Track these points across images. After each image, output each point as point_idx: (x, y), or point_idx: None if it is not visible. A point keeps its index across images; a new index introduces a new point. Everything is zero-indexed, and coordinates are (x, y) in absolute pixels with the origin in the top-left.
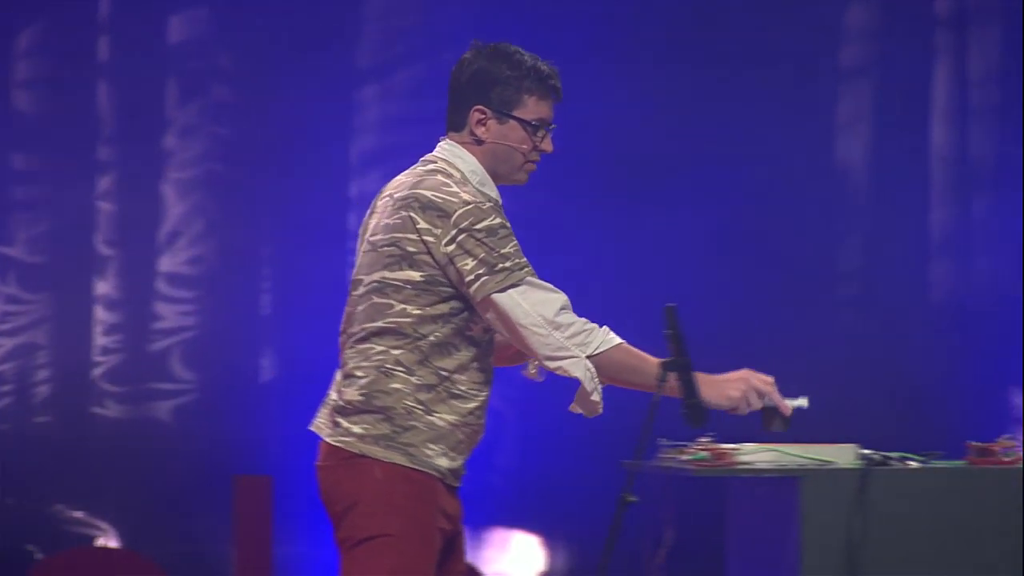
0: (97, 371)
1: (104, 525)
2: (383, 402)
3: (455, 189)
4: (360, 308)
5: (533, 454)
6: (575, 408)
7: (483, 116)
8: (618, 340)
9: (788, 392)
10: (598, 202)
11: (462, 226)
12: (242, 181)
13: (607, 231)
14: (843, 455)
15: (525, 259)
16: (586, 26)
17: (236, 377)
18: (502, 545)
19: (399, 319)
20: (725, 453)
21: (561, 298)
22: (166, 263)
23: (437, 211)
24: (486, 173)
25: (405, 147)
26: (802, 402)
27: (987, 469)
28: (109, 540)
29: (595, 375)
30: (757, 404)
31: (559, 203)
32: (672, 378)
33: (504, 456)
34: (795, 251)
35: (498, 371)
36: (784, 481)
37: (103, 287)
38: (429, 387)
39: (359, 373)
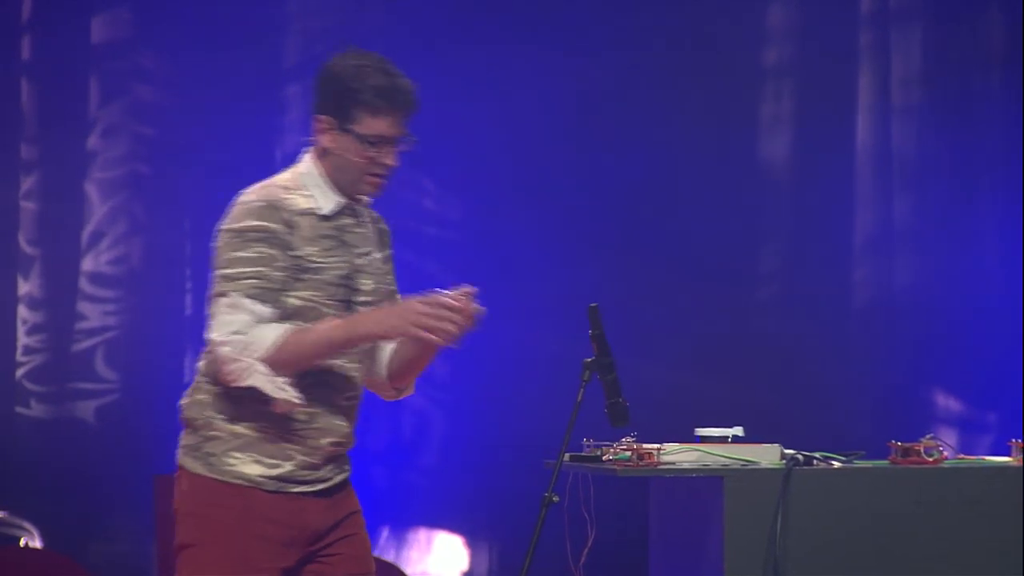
0: (20, 371)
1: (27, 525)
2: (189, 413)
3: (248, 190)
4: None
5: (456, 454)
6: (279, 408)
7: (325, 126)
8: (284, 329)
9: (721, 423)
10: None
11: (223, 226)
12: (166, 181)
13: (527, 230)
14: (766, 455)
15: (252, 270)
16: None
17: (159, 377)
18: (425, 545)
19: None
20: (649, 453)
21: (245, 319)
22: (90, 263)
23: (225, 214)
24: (323, 179)
25: None
26: (737, 431)
27: (910, 469)
28: (32, 540)
29: (272, 375)
30: (429, 323)
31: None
32: None
33: (427, 456)
34: (718, 250)
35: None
36: (708, 481)
37: (26, 287)
38: (230, 396)
39: (191, 387)
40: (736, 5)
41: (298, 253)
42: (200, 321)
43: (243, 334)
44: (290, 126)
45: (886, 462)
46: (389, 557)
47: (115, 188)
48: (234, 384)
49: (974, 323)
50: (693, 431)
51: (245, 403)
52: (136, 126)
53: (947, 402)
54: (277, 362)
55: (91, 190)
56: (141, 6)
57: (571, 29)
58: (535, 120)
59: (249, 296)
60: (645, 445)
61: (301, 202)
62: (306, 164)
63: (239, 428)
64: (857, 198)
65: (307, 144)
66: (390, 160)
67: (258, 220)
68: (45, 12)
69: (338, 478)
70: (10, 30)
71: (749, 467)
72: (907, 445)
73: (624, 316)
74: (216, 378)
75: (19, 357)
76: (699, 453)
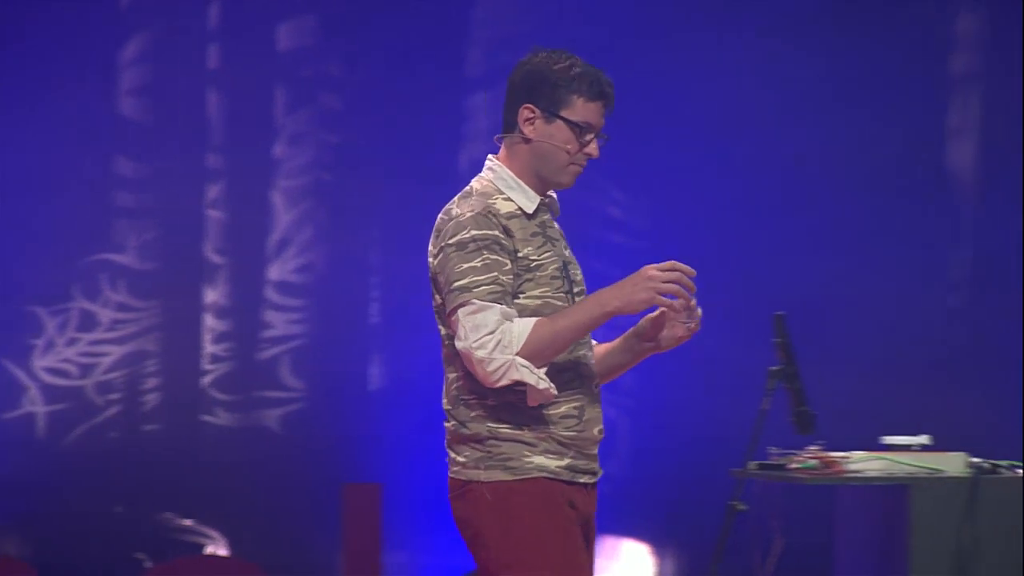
0: (206, 379)
1: (213, 533)
2: (473, 429)
3: (453, 204)
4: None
5: (643, 462)
6: (532, 401)
7: (531, 115)
8: (533, 321)
9: (908, 431)
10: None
11: (442, 243)
12: (351, 189)
13: (711, 234)
14: (953, 463)
15: (485, 277)
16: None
17: (345, 385)
18: (612, 553)
19: (448, 345)
20: (834, 461)
21: (493, 319)
22: (275, 271)
23: (436, 232)
24: (523, 179)
25: None
26: (924, 439)
27: None
28: (218, 548)
29: (532, 367)
30: (667, 287)
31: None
32: None
33: (613, 463)
34: (906, 257)
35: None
36: (893, 489)
37: (212, 295)
38: (507, 404)
39: (448, 406)
40: (926, 12)
41: (520, 255)
42: (387, 328)
43: (494, 334)
44: (472, 135)
45: None
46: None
47: (300, 196)
48: (496, 384)
49: None
50: (879, 439)
51: (521, 408)
52: (322, 134)
53: None
54: (533, 353)
55: (276, 198)
56: (328, 14)
57: (765, 19)
58: (705, 119)
59: (489, 301)
60: (831, 453)
61: (506, 206)
62: (495, 169)
63: (525, 432)
64: None
65: (495, 147)
66: (594, 150)
67: (478, 229)
68: (232, 20)
69: (599, 472)
70: (198, 38)
71: (935, 475)
72: None
73: (810, 324)
74: (478, 387)
75: (205, 366)
76: (885, 461)
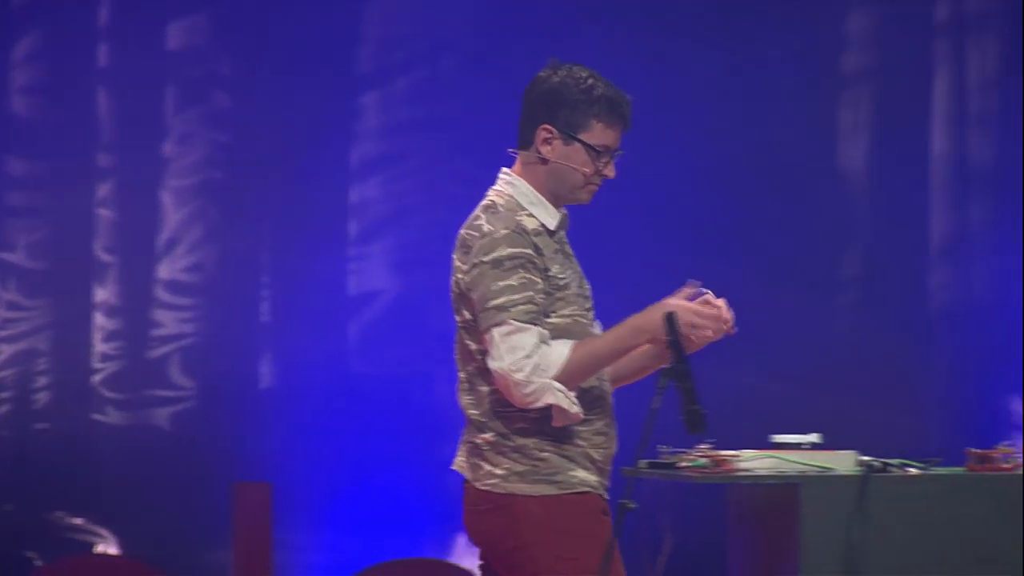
0: (96, 378)
1: (103, 532)
2: (515, 443)
3: (482, 221)
4: (457, 349)
5: None
6: (558, 422)
7: (549, 135)
8: (569, 345)
9: (798, 429)
10: None
11: (475, 259)
12: (241, 188)
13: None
14: (843, 462)
15: (521, 296)
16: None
17: (235, 384)
18: None
19: (479, 360)
20: (725, 460)
21: (531, 342)
22: (165, 270)
23: (464, 247)
24: (541, 195)
25: (405, 153)
26: (814, 437)
27: (987, 476)
28: (109, 547)
29: (566, 391)
30: (704, 332)
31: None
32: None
33: None
34: (796, 256)
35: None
36: (784, 488)
37: (102, 294)
38: (547, 420)
39: (483, 418)
40: (816, 12)
41: (549, 273)
42: (278, 327)
43: (531, 357)
44: (362, 133)
45: (963, 469)
46: (466, 564)
47: (190, 195)
48: (529, 406)
49: None
50: (769, 438)
51: (556, 425)
52: (212, 133)
53: None
54: (568, 378)
55: (166, 197)
56: (218, 13)
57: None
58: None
59: (525, 322)
60: (722, 452)
61: (530, 222)
62: (515, 183)
63: (567, 447)
64: (933, 203)
65: (512, 157)
66: (611, 172)
67: (513, 247)
68: (122, 19)
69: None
70: (87, 37)
71: (825, 474)
72: (983, 452)
73: None
74: (510, 403)
75: (95, 364)
76: (775, 460)
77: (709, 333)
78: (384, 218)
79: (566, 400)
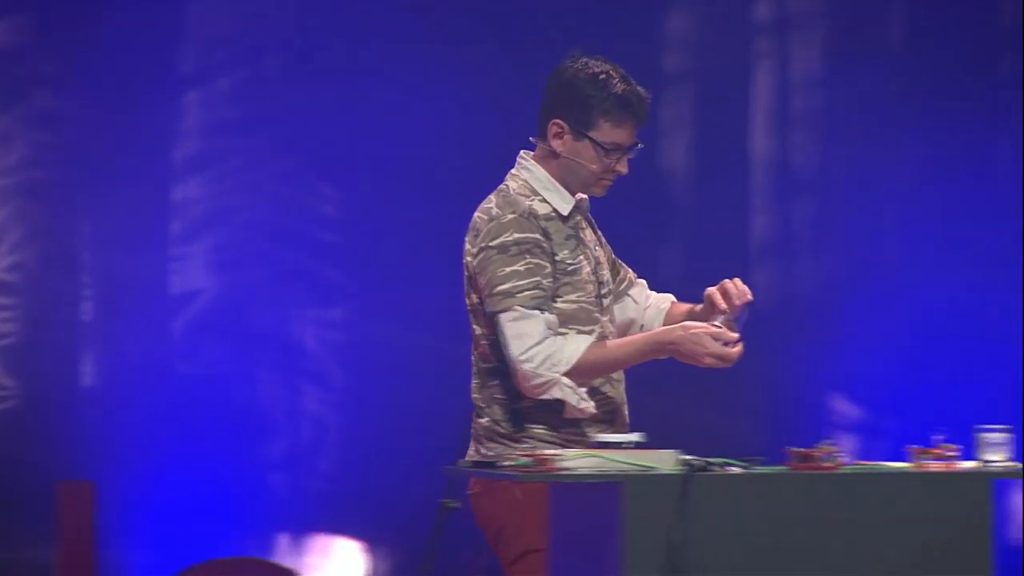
0: None
1: None
2: (504, 429)
3: (492, 204)
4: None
5: (355, 460)
6: (569, 415)
7: (560, 130)
8: (586, 343)
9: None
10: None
11: (482, 244)
12: (63, 187)
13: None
14: (664, 461)
15: (528, 281)
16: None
17: (57, 383)
18: (324, 551)
19: (483, 344)
20: (547, 459)
21: (538, 329)
22: None
23: (474, 230)
24: (552, 182)
25: (227, 152)
26: (636, 436)
27: (807, 474)
28: None
29: (575, 387)
30: (715, 360)
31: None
32: None
33: (325, 462)
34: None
35: (318, 375)
36: (607, 487)
37: None
38: (543, 408)
39: (483, 403)
40: (636, 12)
41: (557, 258)
42: (100, 326)
43: (540, 345)
44: (185, 131)
45: (785, 468)
46: (288, 563)
47: (11, 194)
48: (536, 397)
49: (872, 328)
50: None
51: (557, 411)
52: (33, 132)
53: (845, 407)
54: (580, 375)
55: None
56: (41, 12)
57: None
58: (428, 116)
59: (531, 307)
60: (545, 451)
61: (543, 207)
62: (531, 168)
63: (559, 434)
64: (754, 202)
65: (530, 146)
66: (623, 168)
67: (520, 232)
68: None
69: None
70: None
71: (647, 473)
72: (804, 451)
73: None
74: (510, 390)
75: None
76: (598, 459)
77: (709, 360)
78: (206, 217)
79: (574, 396)
